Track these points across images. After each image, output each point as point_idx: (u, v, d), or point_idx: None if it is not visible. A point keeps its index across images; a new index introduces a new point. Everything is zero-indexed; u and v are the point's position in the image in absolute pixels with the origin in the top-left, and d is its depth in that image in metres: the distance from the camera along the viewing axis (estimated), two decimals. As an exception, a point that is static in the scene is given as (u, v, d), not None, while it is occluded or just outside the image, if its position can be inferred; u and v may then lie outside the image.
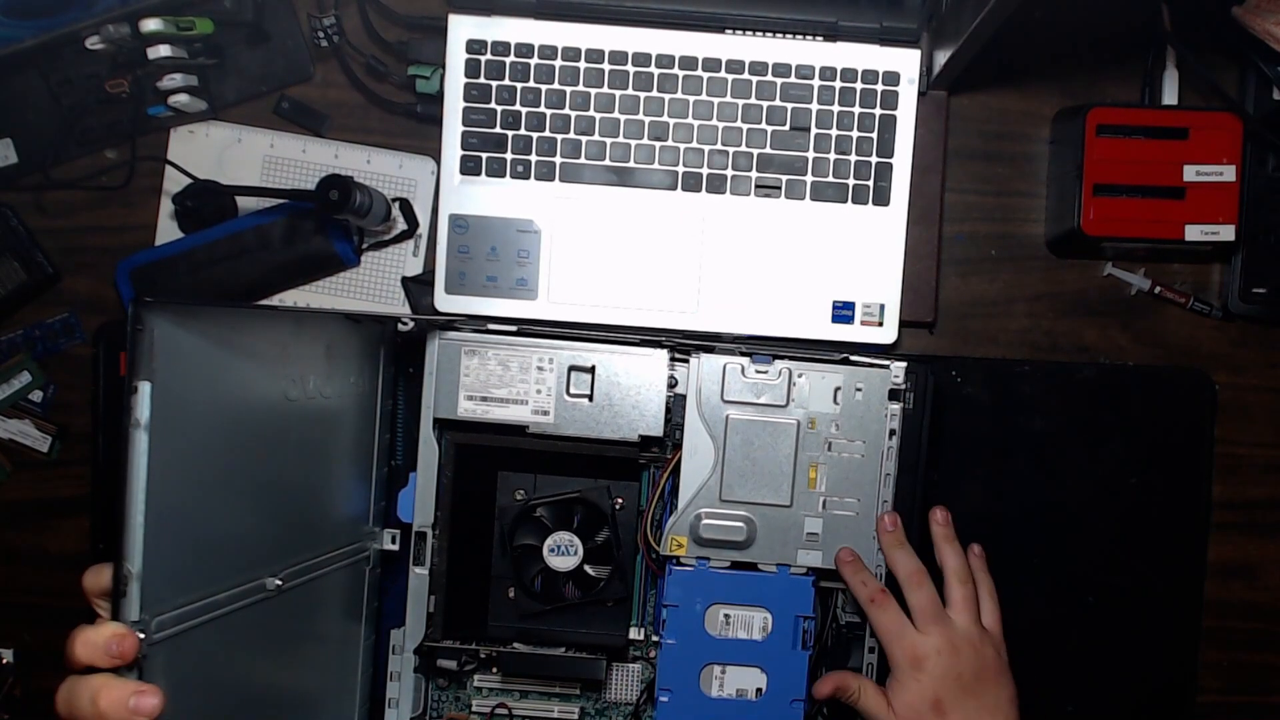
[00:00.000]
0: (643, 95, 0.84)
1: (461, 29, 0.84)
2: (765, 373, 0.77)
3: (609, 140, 0.84)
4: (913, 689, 0.73)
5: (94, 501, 0.88)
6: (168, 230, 0.88)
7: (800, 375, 0.77)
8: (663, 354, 0.78)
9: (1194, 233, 0.84)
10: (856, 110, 0.85)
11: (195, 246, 0.86)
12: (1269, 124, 0.85)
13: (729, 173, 0.85)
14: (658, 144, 0.85)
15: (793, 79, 0.85)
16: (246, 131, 0.88)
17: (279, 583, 0.69)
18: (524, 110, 0.84)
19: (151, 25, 0.82)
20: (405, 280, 0.88)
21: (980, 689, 0.74)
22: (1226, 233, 0.84)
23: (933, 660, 0.73)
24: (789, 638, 0.76)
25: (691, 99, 0.85)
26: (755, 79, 0.85)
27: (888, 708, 0.74)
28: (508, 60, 0.84)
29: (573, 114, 0.84)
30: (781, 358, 0.77)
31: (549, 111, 0.84)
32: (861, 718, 0.76)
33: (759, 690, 0.77)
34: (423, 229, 0.88)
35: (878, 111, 0.85)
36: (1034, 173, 0.90)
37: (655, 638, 0.81)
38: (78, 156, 0.88)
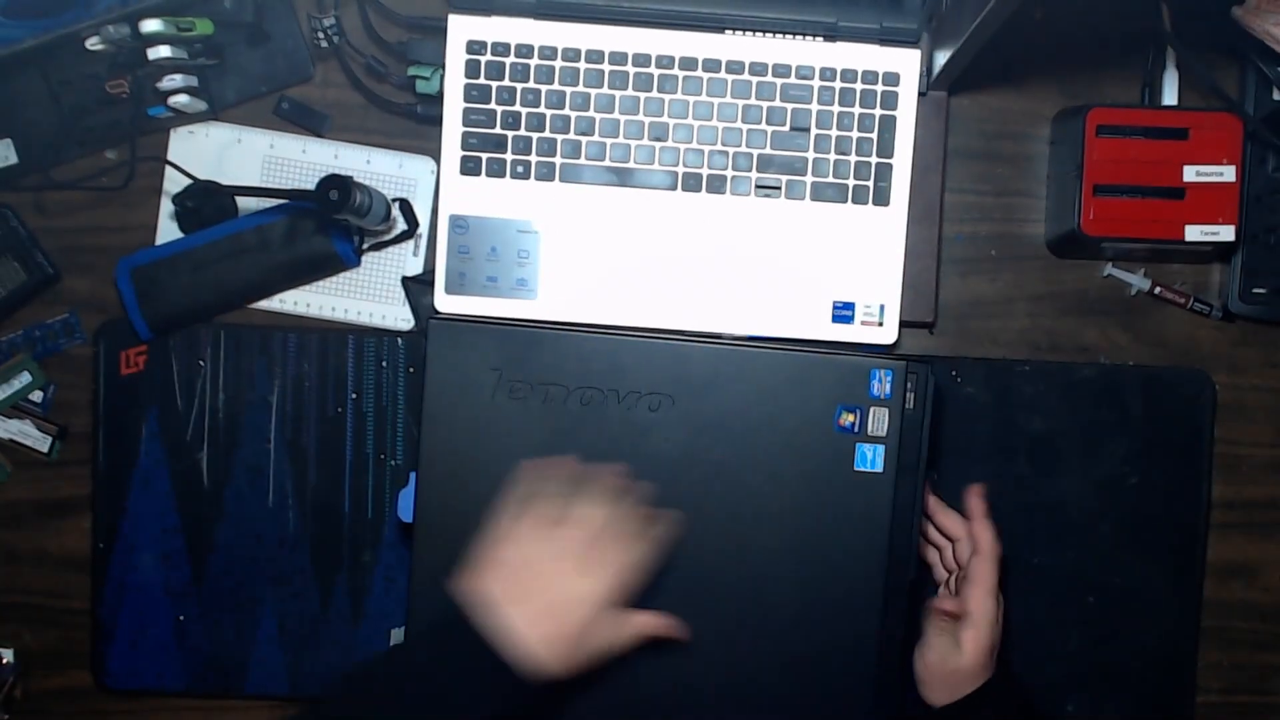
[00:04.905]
0: (642, 96, 0.84)
1: (461, 29, 0.84)
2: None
3: (609, 140, 0.84)
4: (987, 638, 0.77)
5: (94, 501, 0.88)
6: (168, 230, 0.88)
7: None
8: None
9: (1194, 233, 0.84)
10: (856, 111, 0.85)
11: (196, 246, 0.86)
12: (1269, 124, 0.85)
13: (729, 173, 0.85)
14: (658, 144, 0.85)
15: (792, 79, 0.85)
16: (246, 132, 0.88)
17: None
18: (524, 111, 0.84)
19: (151, 26, 0.82)
20: (405, 280, 0.88)
21: None
22: (1226, 233, 0.84)
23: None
24: None
25: (691, 99, 0.85)
26: (755, 79, 0.84)
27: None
28: (508, 61, 0.84)
29: (573, 114, 0.84)
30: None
31: (549, 112, 0.84)
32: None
33: None
34: (423, 229, 0.88)
35: (878, 112, 0.85)
36: (1034, 173, 0.90)
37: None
38: (78, 157, 0.88)
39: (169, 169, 0.87)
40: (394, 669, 0.66)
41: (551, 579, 0.68)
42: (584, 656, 0.68)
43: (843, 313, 0.85)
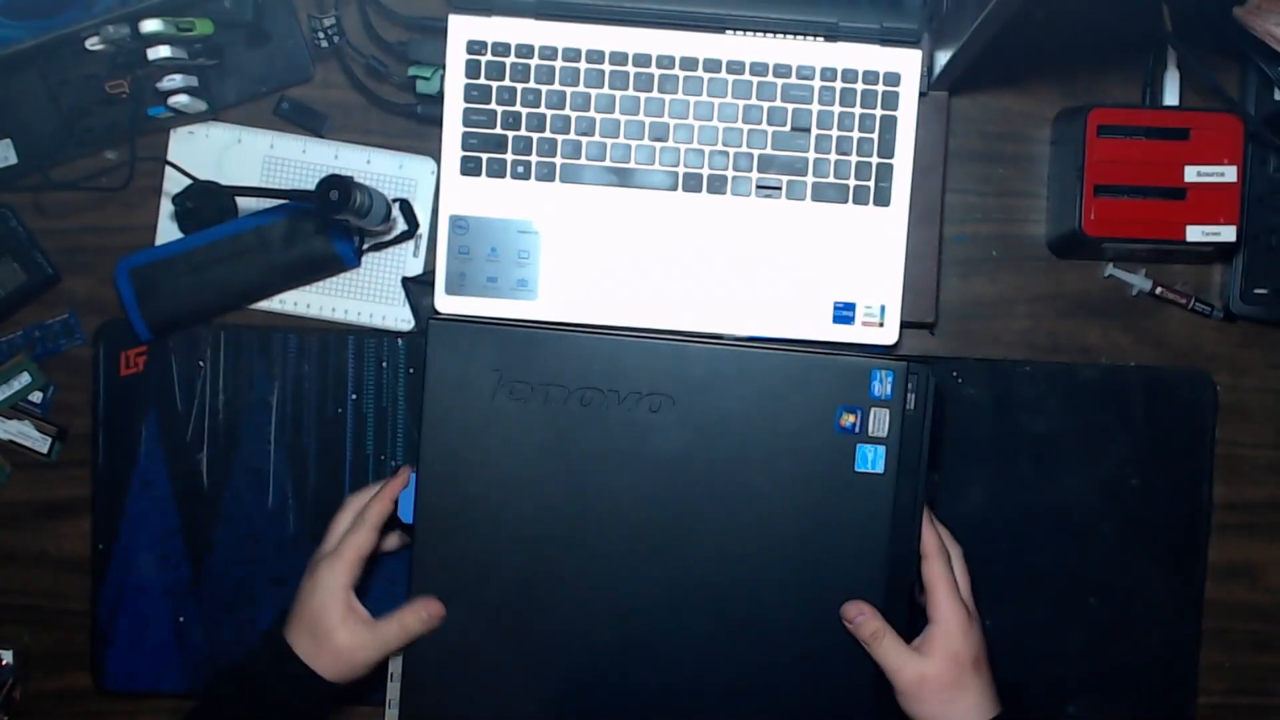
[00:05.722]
0: (643, 96, 0.84)
1: (462, 29, 0.84)
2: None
3: (609, 141, 0.84)
4: (959, 643, 0.74)
5: (94, 503, 0.88)
6: (168, 231, 0.88)
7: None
8: None
9: (1195, 233, 0.84)
10: (857, 111, 0.85)
11: (196, 247, 0.86)
12: (1270, 125, 0.85)
13: (729, 173, 0.85)
14: (658, 145, 0.85)
15: (793, 80, 0.84)
16: (246, 132, 0.88)
17: None
18: (524, 111, 0.84)
19: (151, 26, 0.82)
20: (405, 281, 0.88)
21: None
22: (1228, 233, 0.84)
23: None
24: None
25: (692, 99, 0.84)
26: (755, 79, 0.84)
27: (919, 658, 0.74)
28: (508, 61, 0.84)
29: (573, 114, 0.84)
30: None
31: (549, 112, 0.84)
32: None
33: None
34: (423, 229, 0.88)
35: (878, 112, 0.85)
36: (1035, 173, 0.90)
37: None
38: (77, 157, 0.88)
39: (169, 169, 0.87)
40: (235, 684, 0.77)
41: (301, 614, 0.76)
42: (351, 668, 0.76)
43: (843, 313, 0.85)
